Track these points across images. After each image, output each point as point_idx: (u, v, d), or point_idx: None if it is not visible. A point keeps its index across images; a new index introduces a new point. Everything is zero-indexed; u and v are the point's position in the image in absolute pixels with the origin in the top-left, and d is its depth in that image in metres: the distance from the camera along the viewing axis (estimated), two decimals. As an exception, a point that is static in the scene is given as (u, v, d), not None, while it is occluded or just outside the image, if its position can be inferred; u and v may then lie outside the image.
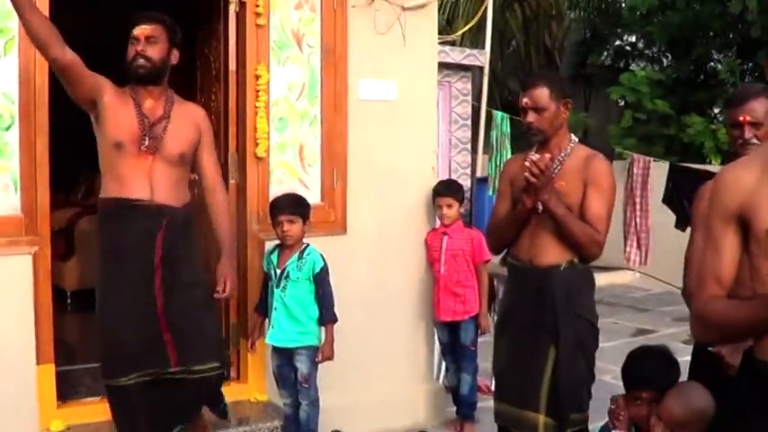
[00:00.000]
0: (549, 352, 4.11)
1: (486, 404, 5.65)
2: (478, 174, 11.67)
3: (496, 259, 5.73)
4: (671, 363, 3.82)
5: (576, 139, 4.29)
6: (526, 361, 4.18)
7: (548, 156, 4.07)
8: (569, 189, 4.12)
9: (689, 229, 8.57)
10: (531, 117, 4.15)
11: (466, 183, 10.07)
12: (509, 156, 9.63)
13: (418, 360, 6.17)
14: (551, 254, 4.14)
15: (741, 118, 3.67)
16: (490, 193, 9.89)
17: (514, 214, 4.23)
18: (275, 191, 5.39)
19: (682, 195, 8.97)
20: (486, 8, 9.00)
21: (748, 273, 2.44)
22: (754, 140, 3.63)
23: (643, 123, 13.06)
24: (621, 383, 3.90)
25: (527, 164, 4.02)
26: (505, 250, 4.46)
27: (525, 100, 4.16)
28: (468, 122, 12.03)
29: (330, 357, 4.98)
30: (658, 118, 12.98)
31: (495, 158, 9.77)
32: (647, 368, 3.80)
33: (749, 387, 2.44)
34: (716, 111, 14.17)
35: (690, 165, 9.77)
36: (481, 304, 5.98)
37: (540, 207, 4.09)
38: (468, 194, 8.21)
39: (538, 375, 4.12)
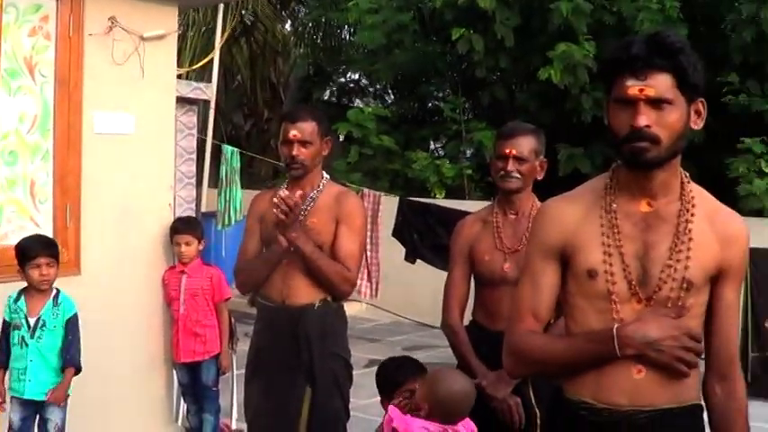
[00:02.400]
0: (305, 392, 4.08)
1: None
2: (204, 208, 11.54)
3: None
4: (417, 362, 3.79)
5: (328, 177, 4.29)
6: (282, 402, 4.12)
7: (299, 192, 4.04)
8: (321, 227, 4.13)
9: (419, 261, 9.01)
10: (297, 150, 4.11)
11: (192, 217, 9.89)
12: (239, 190, 9.60)
13: (158, 402, 5.98)
14: (304, 293, 4.12)
15: (507, 151, 3.82)
16: (219, 227, 9.80)
17: (269, 254, 4.17)
18: (4, 230, 5.06)
19: (411, 228, 9.25)
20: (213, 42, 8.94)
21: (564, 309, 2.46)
22: (516, 174, 3.81)
23: (368, 158, 13.35)
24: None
25: (276, 200, 3.98)
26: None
27: (294, 132, 4.11)
28: (194, 156, 11.89)
29: (61, 400, 4.70)
30: (383, 153, 13.31)
31: (225, 193, 9.69)
32: (406, 364, 3.78)
33: (564, 427, 2.44)
34: (438, 146, 14.73)
35: (419, 199, 10.04)
36: (222, 343, 5.87)
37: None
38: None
39: (294, 416, 4.07)
